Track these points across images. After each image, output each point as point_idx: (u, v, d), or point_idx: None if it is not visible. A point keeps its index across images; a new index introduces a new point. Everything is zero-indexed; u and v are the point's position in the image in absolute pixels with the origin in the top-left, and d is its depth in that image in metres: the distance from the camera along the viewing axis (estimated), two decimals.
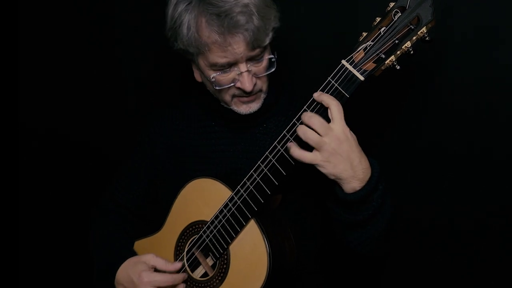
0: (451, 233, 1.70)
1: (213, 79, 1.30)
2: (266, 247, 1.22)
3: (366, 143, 1.70)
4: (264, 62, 1.31)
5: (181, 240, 1.39)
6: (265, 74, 1.32)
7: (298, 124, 1.14)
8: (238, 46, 1.23)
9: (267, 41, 1.27)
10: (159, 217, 1.45)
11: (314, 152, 1.11)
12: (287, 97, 1.46)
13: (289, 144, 1.15)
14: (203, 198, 1.35)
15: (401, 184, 1.72)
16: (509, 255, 1.62)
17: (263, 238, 1.23)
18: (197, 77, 1.42)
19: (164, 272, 1.34)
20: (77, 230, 2.07)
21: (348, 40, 1.21)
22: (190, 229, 1.37)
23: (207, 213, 1.32)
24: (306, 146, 1.13)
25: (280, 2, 1.49)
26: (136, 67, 2.06)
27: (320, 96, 1.12)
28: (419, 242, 1.76)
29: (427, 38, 1.08)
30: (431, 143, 1.68)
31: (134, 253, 1.43)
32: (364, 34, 1.13)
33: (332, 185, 1.17)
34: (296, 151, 1.12)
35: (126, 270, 1.35)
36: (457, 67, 1.60)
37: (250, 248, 1.25)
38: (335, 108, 1.10)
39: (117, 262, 1.38)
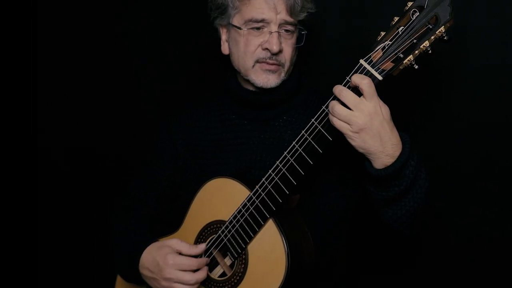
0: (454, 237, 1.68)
1: (244, 33, 1.36)
2: (284, 246, 1.22)
3: None
4: (293, 39, 1.39)
5: (199, 240, 1.39)
6: (291, 44, 1.38)
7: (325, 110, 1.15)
8: (279, 4, 1.33)
9: (301, 17, 1.38)
10: (177, 216, 1.46)
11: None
12: (306, 93, 1.49)
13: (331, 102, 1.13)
14: (221, 198, 1.35)
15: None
16: (509, 255, 1.60)
17: (282, 238, 1.23)
18: (224, 49, 1.47)
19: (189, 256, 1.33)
20: (98, 228, 2.09)
21: (366, 39, 1.21)
22: (208, 229, 1.38)
23: (225, 213, 1.33)
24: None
25: None
26: (153, 72, 2.08)
27: (352, 79, 1.10)
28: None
29: (445, 38, 1.08)
30: (449, 143, 1.66)
31: (156, 240, 1.40)
32: (382, 33, 1.13)
33: (364, 164, 1.18)
34: (336, 107, 1.10)
35: (151, 253, 1.33)
36: (476, 66, 1.59)
37: (269, 248, 1.26)
38: (366, 85, 1.08)
39: (141, 247, 1.37)
